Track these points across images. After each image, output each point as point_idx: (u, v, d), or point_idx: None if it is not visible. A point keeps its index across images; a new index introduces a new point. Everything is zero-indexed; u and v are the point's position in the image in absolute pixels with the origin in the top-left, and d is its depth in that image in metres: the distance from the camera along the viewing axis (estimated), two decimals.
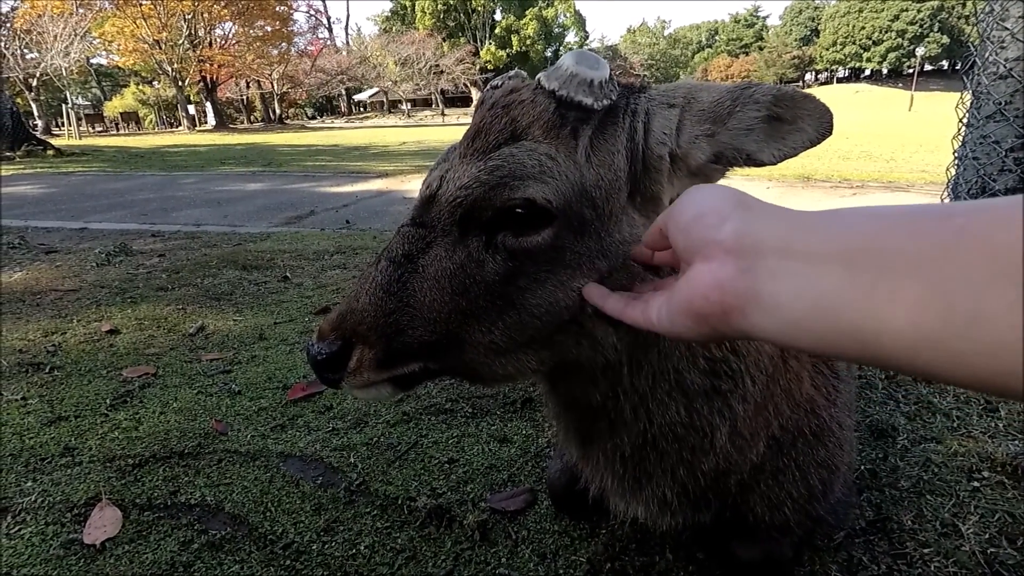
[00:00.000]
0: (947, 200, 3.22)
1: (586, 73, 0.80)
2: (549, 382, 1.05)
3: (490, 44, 66.55)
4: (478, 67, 60.08)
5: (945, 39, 67.88)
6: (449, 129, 31.45)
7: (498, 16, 69.64)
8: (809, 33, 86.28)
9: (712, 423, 0.99)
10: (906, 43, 69.57)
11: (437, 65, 57.44)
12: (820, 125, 0.76)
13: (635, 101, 0.84)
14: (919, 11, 68.20)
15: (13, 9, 31.60)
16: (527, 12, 67.70)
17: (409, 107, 63.34)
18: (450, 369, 0.88)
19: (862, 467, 1.77)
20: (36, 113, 32.95)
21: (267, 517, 1.66)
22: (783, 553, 1.31)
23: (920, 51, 65.61)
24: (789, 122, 0.77)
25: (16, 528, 1.63)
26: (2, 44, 27.74)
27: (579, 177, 0.80)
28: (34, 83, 31.80)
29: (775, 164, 0.80)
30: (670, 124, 0.81)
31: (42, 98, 35.41)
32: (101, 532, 1.60)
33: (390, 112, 64.50)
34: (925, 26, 68.78)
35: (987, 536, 1.50)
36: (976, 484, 1.68)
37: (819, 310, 0.46)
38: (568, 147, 0.81)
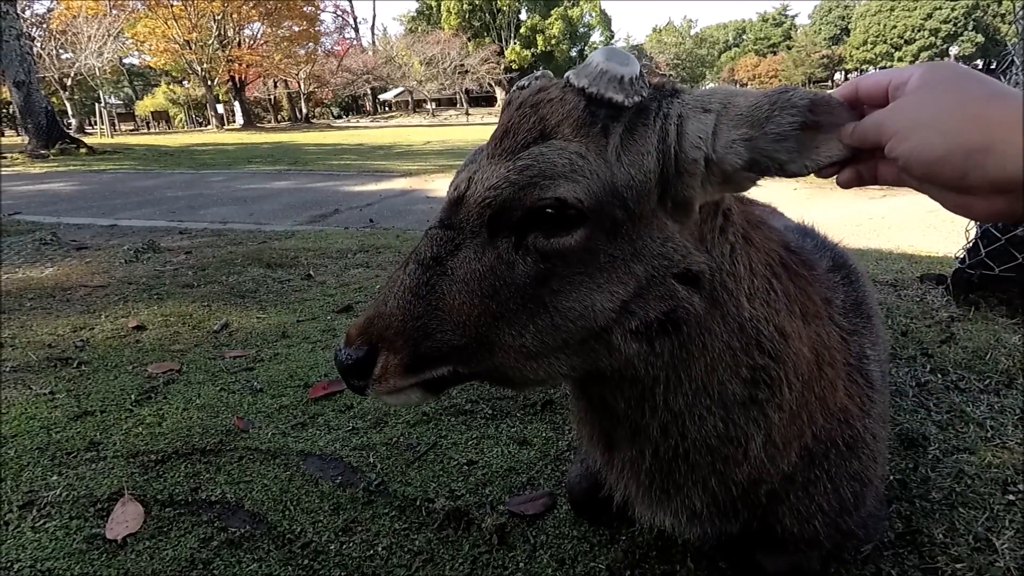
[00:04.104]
0: None
1: (616, 69, 0.78)
2: (578, 384, 1.03)
3: (515, 44, 66.51)
4: (503, 67, 60.13)
5: (980, 38, 66.39)
6: (473, 128, 31.54)
7: (523, 16, 69.53)
8: (839, 32, 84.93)
9: (747, 433, 0.96)
10: (939, 42, 68.06)
11: (462, 65, 57.65)
12: None
13: (667, 105, 0.81)
14: (953, 9, 66.75)
15: (49, 10, 32.48)
16: (552, 12, 67.48)
17: (434, 106, 63.63)
18: (480, 373, 0.86)
19: (891, 477, 1.71)
20: (70, 112, 33.75)
21: (286, 516, 1.66)
22: (810, 566, 1.28)
23: (954, 50, 64.17)
24: (825, 129, 0.75)
25: (41, 521, 1.65)
26: (38, 44, 28.46)
27: (610, 176, 0.78)
28: (68, 82, 32.68)
29: (806, 175, 0.77)
30: (706, 128, 0.78)
31: (76, 97, 36.29)
32: (123, 527, 1.61)
33: (415, 111, 64.82)
34: (959, 25, 67.31)
35: (1023, 552, 1.44)
36: (1011, 497, 1.62)
37: None
38: (599, 145, 0.79)
